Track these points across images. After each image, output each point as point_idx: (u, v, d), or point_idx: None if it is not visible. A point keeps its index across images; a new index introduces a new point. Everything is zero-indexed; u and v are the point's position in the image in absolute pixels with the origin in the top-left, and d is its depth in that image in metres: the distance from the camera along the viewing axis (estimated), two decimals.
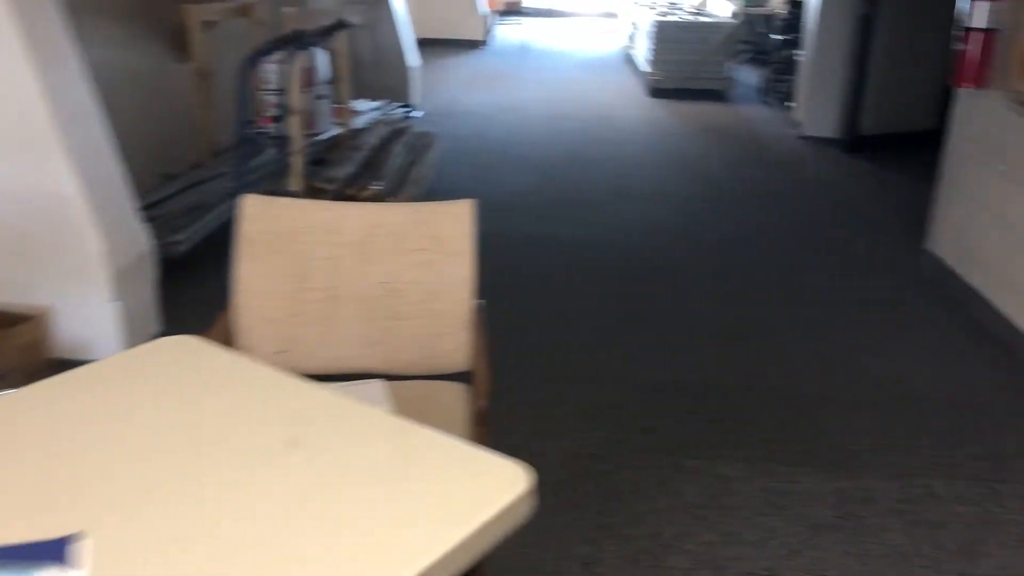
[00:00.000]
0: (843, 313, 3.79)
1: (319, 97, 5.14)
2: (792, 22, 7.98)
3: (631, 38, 10.50)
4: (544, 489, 2.58)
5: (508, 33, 12.46)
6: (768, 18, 10.19)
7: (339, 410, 1.40)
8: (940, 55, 6.48)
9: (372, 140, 4.79)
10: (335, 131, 5.11)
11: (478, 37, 11.48)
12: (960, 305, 3.79)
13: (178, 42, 4.81)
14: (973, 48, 3.51)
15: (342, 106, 5.21)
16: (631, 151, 6.38)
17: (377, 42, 7.08)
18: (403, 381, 2.11)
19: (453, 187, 5.32)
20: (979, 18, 3.47)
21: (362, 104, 6.02)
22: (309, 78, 5.01)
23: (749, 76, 9.53)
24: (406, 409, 1.97)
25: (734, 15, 8.99)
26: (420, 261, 2.11)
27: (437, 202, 2.23)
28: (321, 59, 5.14)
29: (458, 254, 2.11)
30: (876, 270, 4.27)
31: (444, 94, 8.27)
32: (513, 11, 11.42)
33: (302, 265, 2.11)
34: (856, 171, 5.97)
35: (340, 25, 4.24)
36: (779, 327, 3.65)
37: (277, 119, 4.09)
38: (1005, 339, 3.44)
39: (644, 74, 8.71)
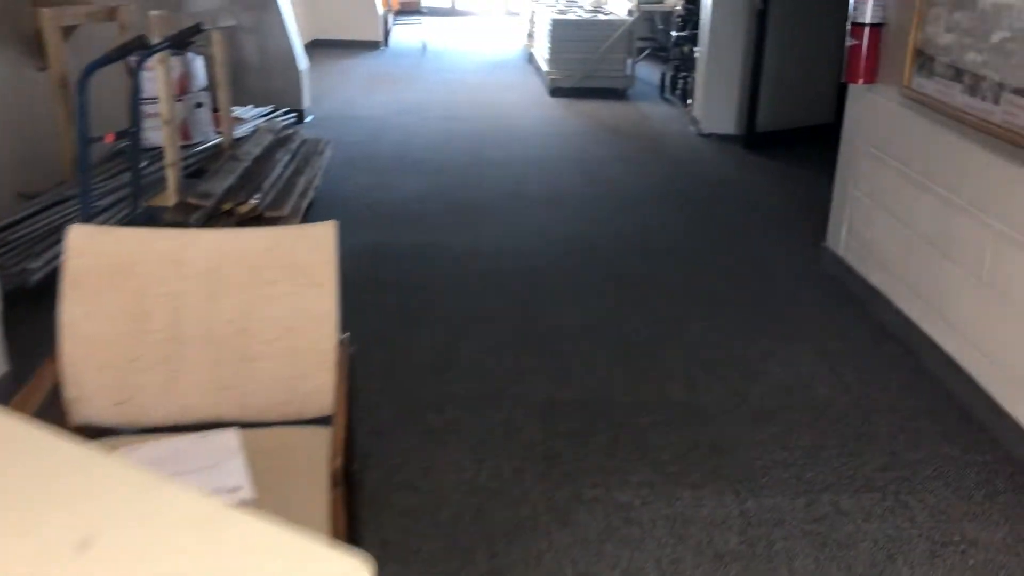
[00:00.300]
0: (744, 317, 3.70)
1: (197, 105, 4.82)
2: (689, 18, 7.97)
3: (531, 37, 10.38)
4: (433, 531, 2.39)
5: (407, 33, 12.20)
6: (667, 15, 10.21)
7: (149, 496, 1.17)
8: (835, 49, 6.54)
9: (254, 150, 4.50)
10: (214, 141, 4.80)
11: (376, 38, 11.19)
12: (861, 304, 3.75)
13: (38, 49, 4.43)
14: (862, 43, 3.45)
15: (223, 114, 4.90)
16: (530, 153, 6.22)
17: (264, 46, 6.76)
18: (260, 429, 1.88)
19: (343, 196, 5.07)
20: (867, 13, 3.42)
21: (246, 111, 5.70)
22: (185, 85, 4.69)
23: (650, 73, 9.50)
24: (263, 461, 1.75)
25: (630, 12, 8.94)
26: (276, 294, 1.89)
27: (295, 226, 2.02)
28: (198, 65, 4.83)
29: (319, 284, 1.89)
30: (777, 270, 4.21)
31: (340, 97, 7.98)
32: (412, 11, 11.18)
33: (140, 303, 1.86)
34: (755, 168, 5.94)
35: (196, 30, 3.94)
36: (680, 335, 3.53)
37: (124, 134, 3.76)
38: (905, 339, 3.40)
39: (544, 74, 8.59)
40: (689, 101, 7.56)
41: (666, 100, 8.32)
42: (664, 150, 6.44)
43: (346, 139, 6.42)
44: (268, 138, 4.81)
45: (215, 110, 4.97)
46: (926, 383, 3.15)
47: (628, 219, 4.92)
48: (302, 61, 6.92)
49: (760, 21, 6.02)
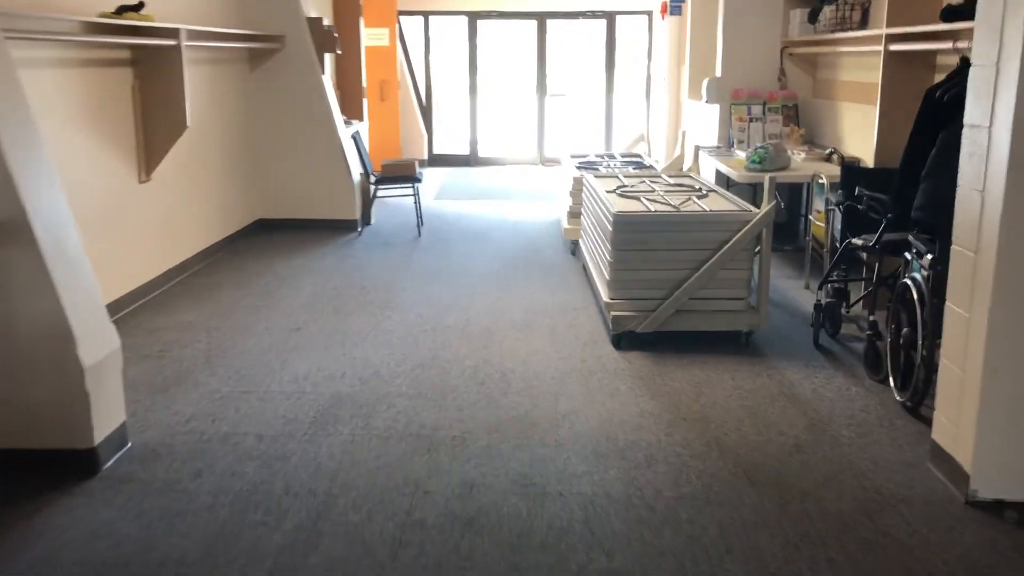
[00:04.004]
0: None
1: None
2: (877, 208, 4.24)
3: (575, 216, 6.76)
4: None
5: (400, 202, 8.71)
6: (811, 185, 6.61)
7: None
8: None
9: None
10: None
11: (349, 216, 7.69)
12: None
13: None
14: None
15: None
16: None
17: (6, 315, 3.14)
18: None
19: None
20: None
21: None
22: None
23: (789, 288, 5.76)
24: None
25: (749, 180, 5.30)
26: None
27: None
28: None
29: None
30: None
31: (233, 364, 4.32)
32: (404, 176, 7.67)
33: None
34: None
35: None
36: None
37: None
38: None
39: (604, 304, 4.85)
40: (881, 374, 3.76)
41: (824, 350, 4.54)
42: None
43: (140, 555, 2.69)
44: None
45: None
46: None
47: None
48: (97, 339, 3.27)
49: None
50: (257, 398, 3.92)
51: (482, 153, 12.52)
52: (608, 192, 5.32)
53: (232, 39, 6.55)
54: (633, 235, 4.60)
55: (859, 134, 6.08)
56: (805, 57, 7.21)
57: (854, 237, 4.39)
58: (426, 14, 11.99)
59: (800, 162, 6.26)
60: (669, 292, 4.57)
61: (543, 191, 9.99)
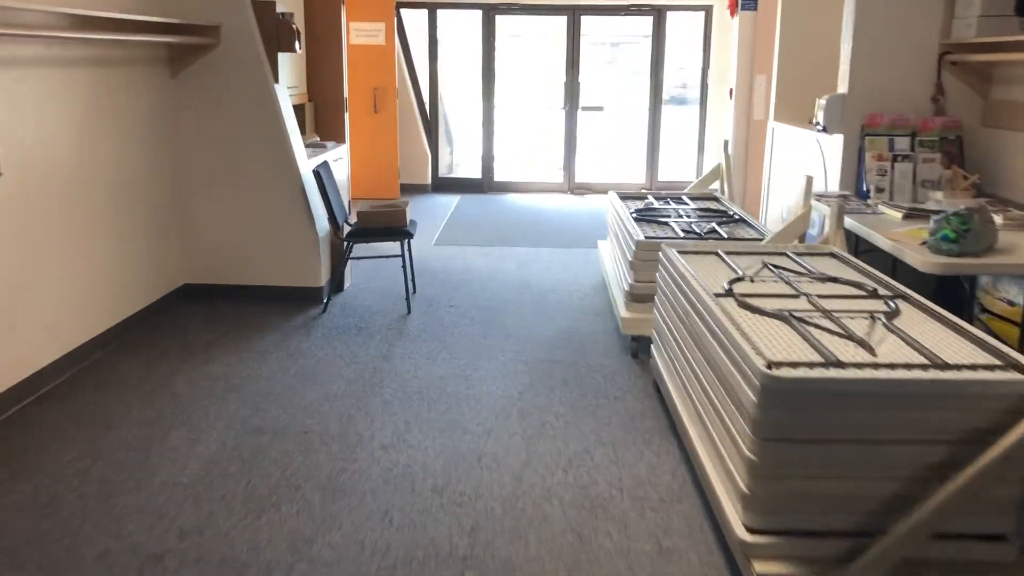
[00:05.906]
0: None
1: None
2: None
3: (635, 297, 4.51)
4: None
5: (384, 267, 6.44)
6: None
7: None
8: None
9: None
10: None
11: (313, 283, 5.44)
12: None
13: None
14: None
15: None
16: None
17: None
18: None
19: None
20: None
21: None
22: None
23: None
24: None
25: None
26: None
27: None
28: None
29: None
30: None
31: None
32: (391, 228, 5.37)
33: None
34: None
35: None
36: None
37: None
38: None
39: (728, 524, 2.53)
40: None
41: None
42: None
43: None
44: None
45: None
46: None
47: None
48: None
49: None
50: None
51: (498, 177, 10.26)
52: (719, 296, 3.05)
53: (116, 28, 4.29)
54: (803, 414, 2.31)
55: None
56: (973, 67, 4.92)
57: None
58: (432, 6, 9.75)
59: (1000, 234, 3.95)
60: (869, 521, 2.30)
61: (575, 230, 7.73)
